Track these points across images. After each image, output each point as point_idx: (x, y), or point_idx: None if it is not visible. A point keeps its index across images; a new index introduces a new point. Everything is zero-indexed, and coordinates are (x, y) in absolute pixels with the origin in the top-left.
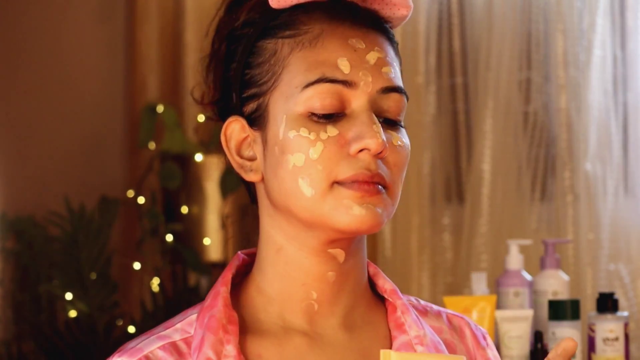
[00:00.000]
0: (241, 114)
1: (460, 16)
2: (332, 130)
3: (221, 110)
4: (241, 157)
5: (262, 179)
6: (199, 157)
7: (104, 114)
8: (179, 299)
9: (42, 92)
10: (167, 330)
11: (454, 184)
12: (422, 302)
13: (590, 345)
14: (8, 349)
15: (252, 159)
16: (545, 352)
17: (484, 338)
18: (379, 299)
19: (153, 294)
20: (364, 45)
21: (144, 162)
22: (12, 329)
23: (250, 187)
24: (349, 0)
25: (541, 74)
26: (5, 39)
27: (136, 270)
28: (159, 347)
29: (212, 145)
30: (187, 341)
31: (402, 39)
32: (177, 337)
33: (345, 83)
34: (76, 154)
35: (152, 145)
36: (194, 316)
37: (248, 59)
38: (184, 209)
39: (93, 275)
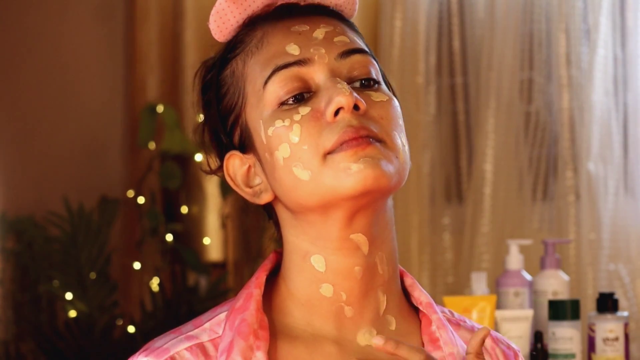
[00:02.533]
0: (233, 147)
1: (460, 16)
2: (304, 110)
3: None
4: (251, 187)
5: (275, 196)
6: (199, 157)
7: (104, 114)
8: (179, 299)
9: (42, 93)
10: (196, 330)
11: (454, 184)
12: (457, 315)
13: (590, 345)
14: (8, 349)
15: (259, 184)
16: (545, 352)
17: (516, 357)
18: (414, 310)
19: (153, 293)
20: (308, 27)
21: (144, 162)
22: (12, 329)
23: (269, 212)
24: (288, 3)
25: (543, 74)
26: (5, 39)
27: (136, 270)
28: (185, 349)
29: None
30: (215, 342)
31: (401, 39)
32: (205, 338)
33: (299, 62)
34: (76, 154)
35: (152, 145)
36: (223, 315)
37: (218, 95)
38: (184, 209)
39: (93, 275)
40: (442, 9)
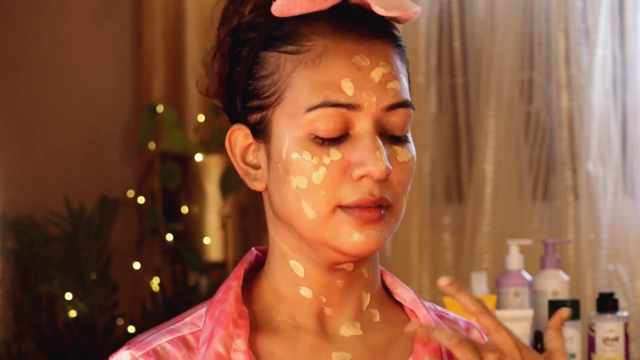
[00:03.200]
0: (245, 122)
1: (461, 16)
2: (335, 154)
3: (227, 108)
4: (246, 163)
5: (267, 189)
6: (199, 157)
7: (104, 114)
8: (179, 298)
9: (42, 93)
10: (177, 324)
11: (454, 184)
12: (439, 307)
13: (590, 345)
14: (8, 349)
15: (256, 167)
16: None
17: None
18: (397, 305)
19: (153, 293)
20: (369, 62)
21: (144, 162)
22: (12, 329)
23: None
24: (355, 4)
25: (543, 74)
26: (6, 38)
27: (136, 270)
28: (167, 341)
29: (212, 145)
30: (196, 335)
31: (402, 38)
32: (186, 331)
33: (349, 106)
34: (76, 154)
35: (152, 145)
36: (204, 309)
37: (251, 69)
38: (184, 209)
39: (93, 275)
40: (442, 9)
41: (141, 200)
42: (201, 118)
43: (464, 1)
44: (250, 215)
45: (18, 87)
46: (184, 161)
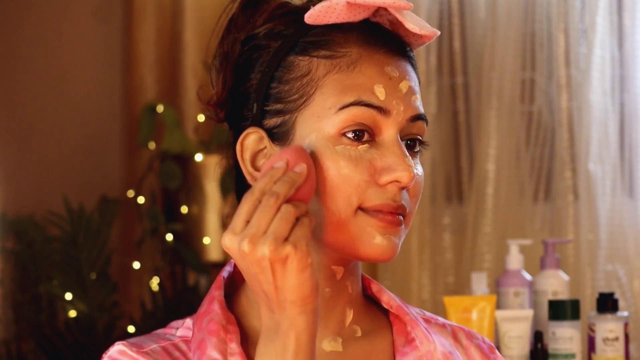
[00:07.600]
0: (261, 125)
1: (461, 16)
2: (364, 156)
3: (231, 115)
4: (255, 168)
5: None
6: (199, 157)
7: (104, 114)
8: (179, 298)
9: (41, 93)
10: (167, 334)
11: (454, 183)
12: (428, 313)
13: (590, 345)
14: (8, 348)
15: None
16: (545, 352)
17: (492, 351)
18: (382, 314)
19: (153, 293)
20: (397, 74)
21: (144, 162)
22: (12, 329)
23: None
24: (378, 23)
25: (544, 74)
26: (4, 39)
27: (136, 270)
28: (159, 346)
29: (212, 145)
30: (187, 342)
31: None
32: (176, 339)
33: (380, 109)
34: (76, 154)
35: (152, 145)
36: (190, 321)
37: (275, 73)
38: (184, 209)
39: (93, 275)
40: (442, 8)
41: (141, 200)
42: (201, 118)
43: (464, 1)
44: None
45: (17, 87)
46: (184, 161)
